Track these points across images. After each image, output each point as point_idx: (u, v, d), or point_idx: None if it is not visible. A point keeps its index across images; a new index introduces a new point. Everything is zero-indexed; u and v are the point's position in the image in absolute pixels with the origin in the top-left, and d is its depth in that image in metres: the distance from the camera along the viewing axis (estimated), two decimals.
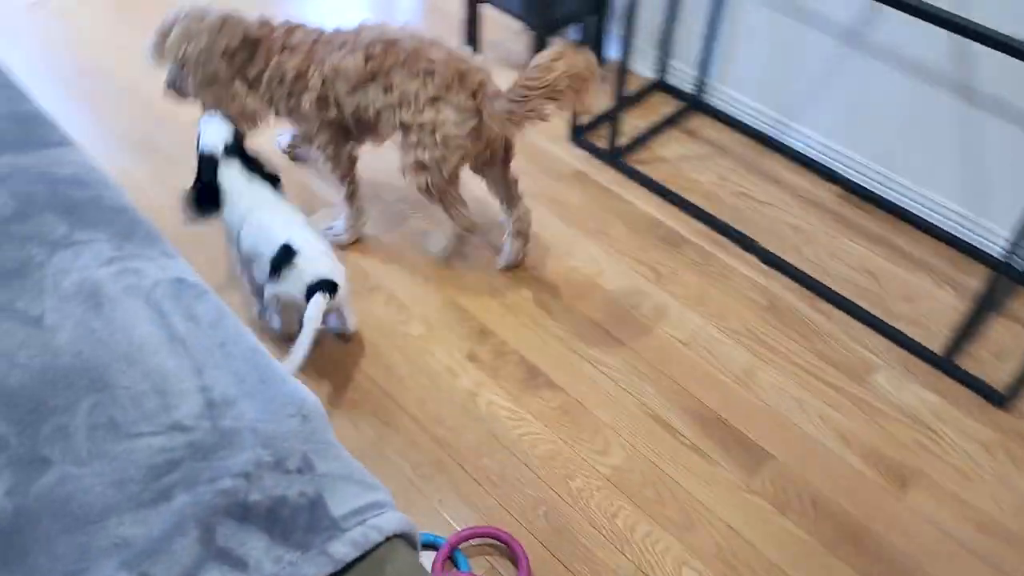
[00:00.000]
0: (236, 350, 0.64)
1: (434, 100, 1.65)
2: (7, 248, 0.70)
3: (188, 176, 1.66)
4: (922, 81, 1.88)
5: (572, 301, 1.88)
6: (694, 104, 2.37)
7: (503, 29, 2.67)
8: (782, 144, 2.23)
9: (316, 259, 1.57)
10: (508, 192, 1.88)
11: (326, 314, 1.58)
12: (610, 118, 2.13)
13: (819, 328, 1.85)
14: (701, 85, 2.33)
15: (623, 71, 2.03)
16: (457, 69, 1.66)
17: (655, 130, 2.30)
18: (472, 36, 2.50)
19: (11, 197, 0.75)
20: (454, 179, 1.78)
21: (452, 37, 2.61)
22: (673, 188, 2.13)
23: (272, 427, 0.60)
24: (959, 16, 1.46)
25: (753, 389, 1.73)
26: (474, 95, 1.67)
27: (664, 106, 2.39)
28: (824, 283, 1.91)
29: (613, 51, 2.49)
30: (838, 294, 1.88)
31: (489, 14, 2.64)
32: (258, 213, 1.61)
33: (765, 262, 1.97)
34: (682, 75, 2.39)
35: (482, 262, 1.96)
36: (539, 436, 1.64)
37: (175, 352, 0.62)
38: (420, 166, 1.72)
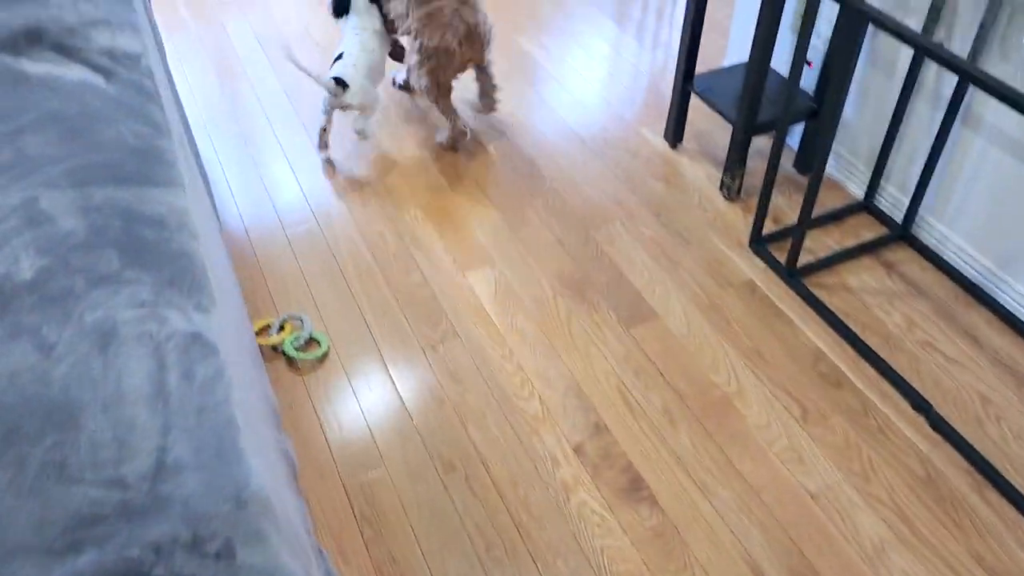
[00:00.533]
0: (212, 418, 0.65)
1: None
2: (60, 275, 0.76)
3: None
4: None
5: (699, 417, 1.76)
6: (899, 234, 2.15)
7: (711, 120, 2.59)
8: (991, 298, 1.96)
9: (343, 65, 2.31)
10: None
11: (345, 109, 2.36)
12: (795, 232, 1.98)
13: (983, 522, 1.59)
14: (911, 215, 2.11)
15: (817, 182, 1.88)
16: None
17: (848, 254, 2.11)
18: (680, 122, 2.45)
19: (88, 227, 0.81)
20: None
21: (661, 119, 2.59)
22: (850, 322, 1.94)
23: (203, 505, 0.60)
24: None
25: (880, 571, 1.51)
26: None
27: (865, 230, 2.19)
28: (1003, 470, 1.64)
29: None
30: (1017, 490, 1.60)
31: (699, 104, 2.58)
32: (347, 32, 2.41)
33: (935, 428, 1.72)
34: (892, 200, 2.19)
35: (617, 352, 1.89)
36: (623, 553, 1.54)
37: (153, 407, 0.65)
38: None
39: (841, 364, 1.87)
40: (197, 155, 1.83)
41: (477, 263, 2.13)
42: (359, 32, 2.39)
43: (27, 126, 0.91)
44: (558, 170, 2.42)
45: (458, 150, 2.52)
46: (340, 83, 2.28)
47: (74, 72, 1.03)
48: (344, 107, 2.34)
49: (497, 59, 2.86)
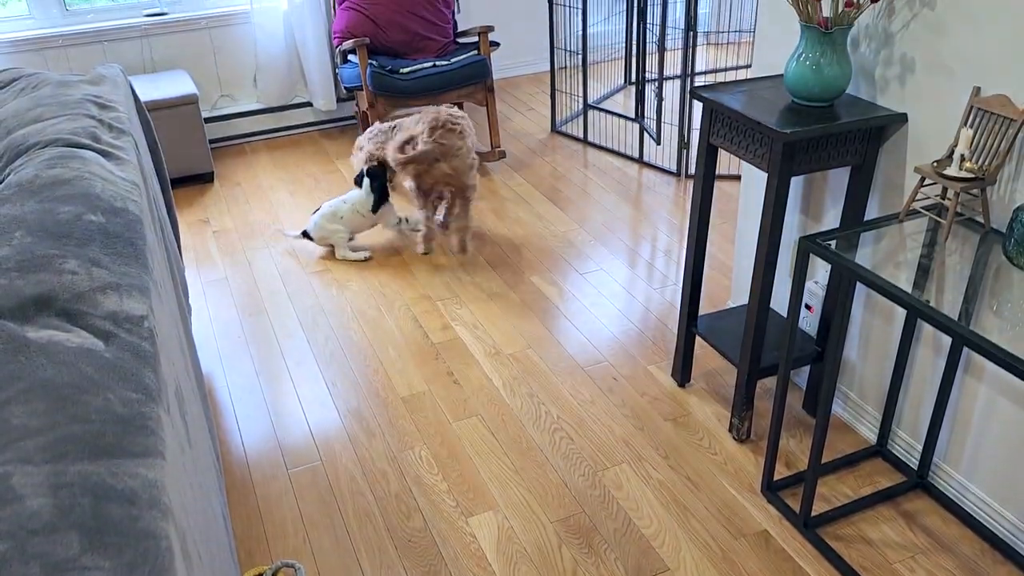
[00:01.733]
0: None
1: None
2: (16, 563, 0.74)
3: None
4: None
5: None
6: (916, 482, 2.08)
7: (719, 359, 2.61)
8: (1020, 556, 1.85)
9: (312, 219, 3.30)
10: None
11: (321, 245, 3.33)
12: (808, 477, 1.92)
13: None
14: (926, 462, 2.05)
15: (823, 429, 1.85)
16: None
17: (865, 503, 2.03)
18: (687, 361, 2.47)
19: (54, 507, 0.80)
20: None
21: (669, 357, 2.61)
22: None
23: None
24: None
25: None
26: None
27: (881, 477, 2.13)
28: None
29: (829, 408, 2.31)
30: None
31: (705, 345, 2.62)
32: (340, 198, 3.31)
33: None
34: (905, 446, 2.14)
35: None
36: None
37: None
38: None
39: None
40: (204, 398, 1.85)
41: (480, 507, 2.08)
42: (345, 201, 3.26)
43: (15, 396, 0.93)
44: (566, 408, 2.41)
45: (430, 252, 3.28)
46: (305, 235, 3.30)
47: (75, 338, 1.07)
48: (321, 243, 3.30)
49: (511, 296, 2.96)
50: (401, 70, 3.73)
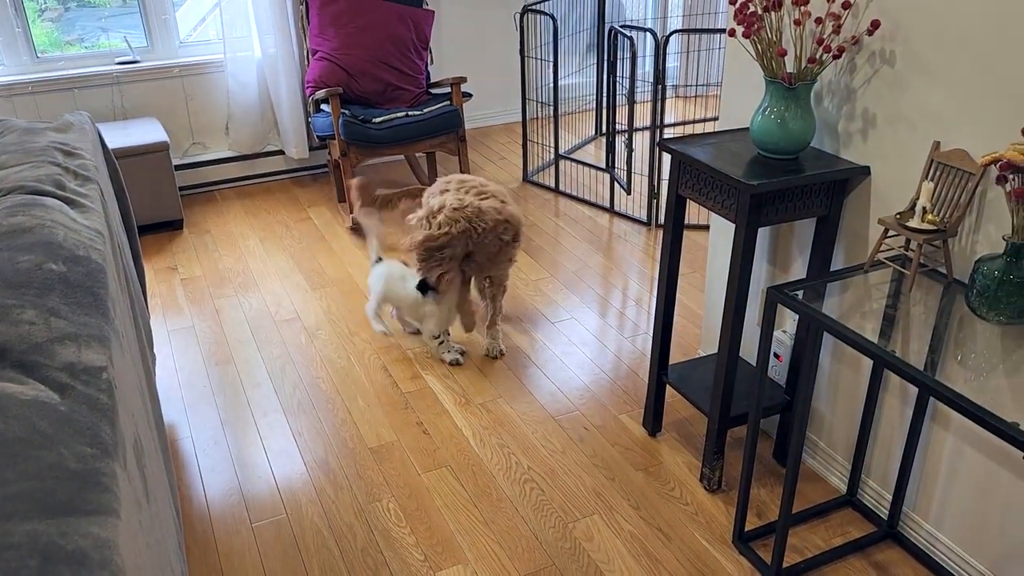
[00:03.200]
0: None
1: None
2: None
3: None
4: None
5: None
6: (886, 532, 2.07)
7: (690, 408, 2.61)
8: None
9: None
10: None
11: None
12: (777, 529, 1.91)
13: None
14: (895, 512, 2.05)
15: (793, 479, 1.84)
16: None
17: (836, 554, 2.02)
18: (658, 411, 2.46)
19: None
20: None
21: (640, 406, 2.60)
22: None
23: None
24: None
25: None
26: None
27: (851, 527, 2.12)
28: None
29: (798, 458, 2.31)
30: None
31: (676, 394, 2.61)
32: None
33: None
34: (875, 495, 2.13)
35: None
36: None
37: None
38: None
39: None
40: (166, 451, 1.81)
41: (449, 560, 2.03)
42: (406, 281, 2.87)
43: None
44: (537, 458, 2.39)
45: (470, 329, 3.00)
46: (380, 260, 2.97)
47: (30, 391, 1.04)
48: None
49: (482, 344, 2.94)
50: (374, 119, 3.75)
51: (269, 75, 4.31)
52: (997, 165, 1.55)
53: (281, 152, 4.52)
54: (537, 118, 5.10)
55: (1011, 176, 1.54)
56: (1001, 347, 1.57)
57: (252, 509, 2.21)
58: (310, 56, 4.10)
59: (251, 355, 2.92)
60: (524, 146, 4.45)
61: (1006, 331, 1.60)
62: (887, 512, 2.10)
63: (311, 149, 4.54)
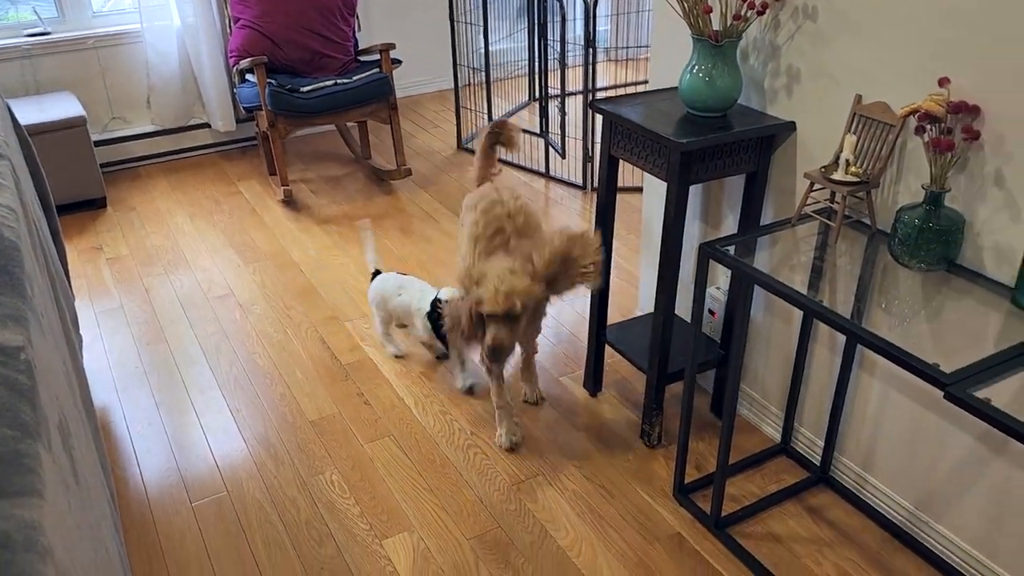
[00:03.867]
0: None
1: None
2: None
3: None
4: None
5: None
6: (819, 477, 2.15)
7: (630, 367, 2.64)
8: (915, 541, 1.93)
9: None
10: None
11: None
12: (715, 480, 1.96)
13: None
14: (827, 458, 2.12)
15: (729, 430, 1.89)
16: None
17: (771, 500, 2.09)
18: (598, 371, 2.49)
19: None
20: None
21: (581, 368, 2.63)
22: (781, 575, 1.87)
23: None
24: None
25: None
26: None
27: (786, 474, 2.19)
28: None
29: (733, 410, 2.37)
30: None
31: (615, 354, 2.64)
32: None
33: None
34: (808, 443, 2.20)
35: None
36: None
37: None
38: None
39: None
40: (96, 432, 1.76)
41: (394, 529, 2.03)
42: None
43: None
44: (480, 424, 2.39)
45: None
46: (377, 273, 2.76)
47: None
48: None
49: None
50: (301, 88, 3.66)
51: (190, 45, 4.16)
52: (916, 116, 1.60)
53: (207, 125, 4.39)
54: (470, 84, 5.05)
55: (929, 126, 1.59)
56: (922, 293, 1.63)
57: (191, 488, 2.17)
58: (232, 24, 3.97)
59: (184, 333, 2.85)
60: (457, 113, 4.41)
61: (927, 277, 1.66)
62: (819, 458, 2.17)
63: (238, 121, 4.42)
